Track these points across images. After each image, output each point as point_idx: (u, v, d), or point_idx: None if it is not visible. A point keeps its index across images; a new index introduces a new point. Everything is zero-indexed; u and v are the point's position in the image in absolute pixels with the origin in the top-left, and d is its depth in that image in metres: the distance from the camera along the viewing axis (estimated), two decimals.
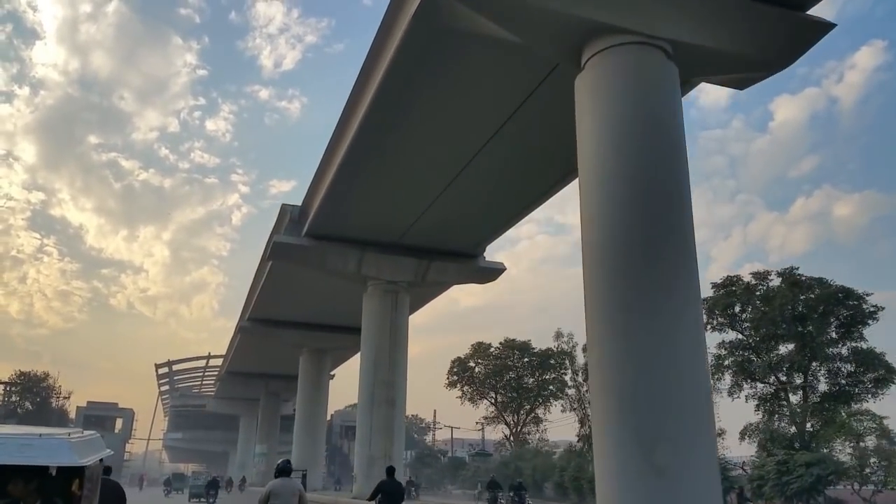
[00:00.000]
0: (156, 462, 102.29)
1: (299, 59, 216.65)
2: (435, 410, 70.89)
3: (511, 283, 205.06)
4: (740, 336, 32.92)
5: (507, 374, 57.16)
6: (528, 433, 57.53)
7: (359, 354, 46.14)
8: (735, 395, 33.06)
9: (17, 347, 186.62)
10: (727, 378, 33.69)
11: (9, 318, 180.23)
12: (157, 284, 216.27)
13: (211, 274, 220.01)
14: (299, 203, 24.60)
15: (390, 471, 11.25)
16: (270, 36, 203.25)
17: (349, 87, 18.61)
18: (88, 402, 69.68)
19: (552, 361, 54.23)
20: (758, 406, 32.88)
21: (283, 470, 8.01)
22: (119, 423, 70.93)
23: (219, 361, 61.00)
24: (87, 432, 4.37)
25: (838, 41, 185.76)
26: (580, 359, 46.16)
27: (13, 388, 47.78)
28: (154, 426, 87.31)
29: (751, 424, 34.15)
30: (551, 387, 54.79)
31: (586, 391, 45.89)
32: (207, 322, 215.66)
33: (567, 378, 49.58)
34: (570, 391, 48.24)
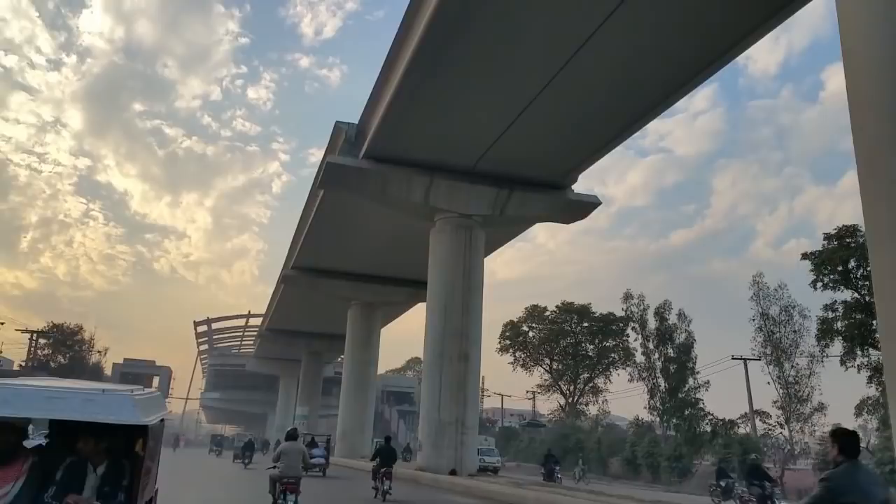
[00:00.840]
0: (193, 422, 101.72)
1: (340, 26, 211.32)
2: (483, 377, 67.15)
3: (550, 255, 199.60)
4: (856, 296, 28.31)
5: (564, 340, 53.11)
6: (586, 404, 53.59)
7: (408, 312, 42.84)
8: (849, 364, 28.78)
9: (64, 308, 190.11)
10: (837, 344, 29.62)
11: (56, 280, 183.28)
12: (199, 250, 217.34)
13: (251, 241, 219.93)
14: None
15: (387, 439, 14.79)
16: (311, 3, 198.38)
17: None
18: (125, 359, 68.11)
19: (614, 327, 49.90)
20: (871, 377, 28.64)
21: (292, 435, 10.58)
22: (156, 381, 69.15)
23: (258, 321, 58.35)
24: (147, 390, 4.07)
25: None
26: (651, 323, 41.65)
27: (46, 341, 45.38)
28: (192, 386, 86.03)
29: (868, 398, 29.91)
30: (613, 354, 50.51)
31: (658, 358, 41.54)
32: (248, 287, 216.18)
33: (636, 344, 44.81)
34: (639, 358, 43.61)
